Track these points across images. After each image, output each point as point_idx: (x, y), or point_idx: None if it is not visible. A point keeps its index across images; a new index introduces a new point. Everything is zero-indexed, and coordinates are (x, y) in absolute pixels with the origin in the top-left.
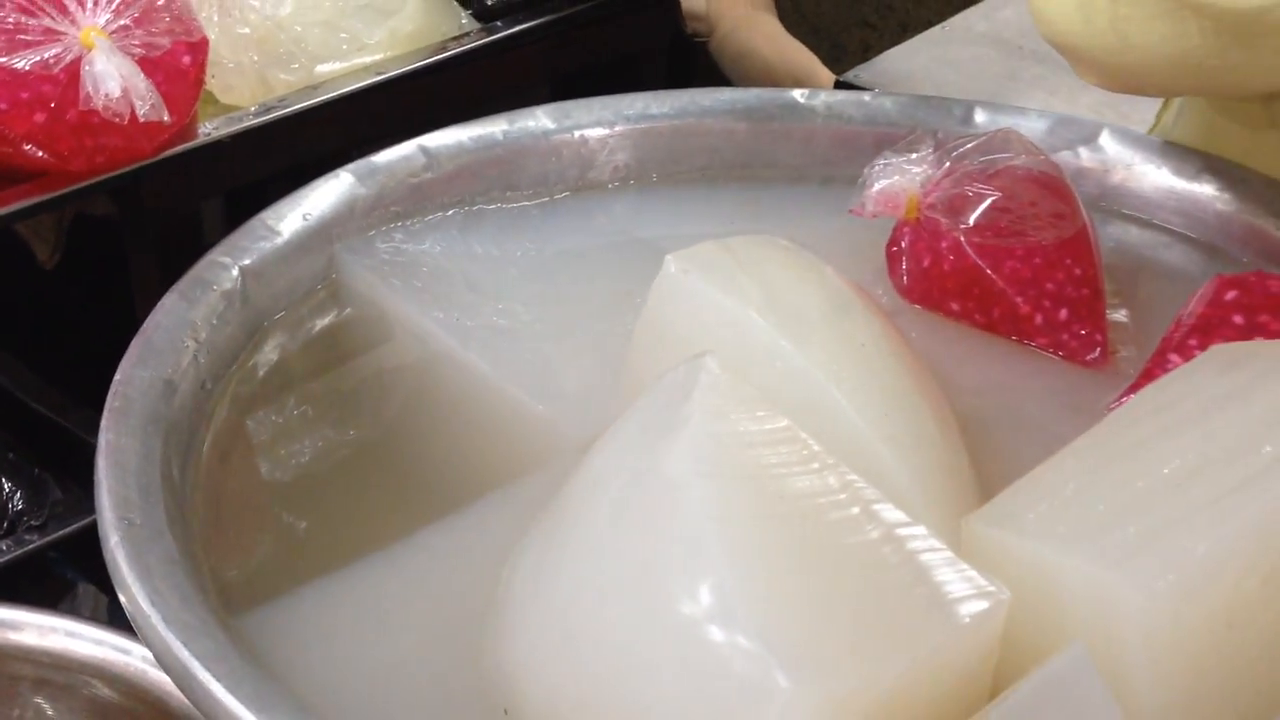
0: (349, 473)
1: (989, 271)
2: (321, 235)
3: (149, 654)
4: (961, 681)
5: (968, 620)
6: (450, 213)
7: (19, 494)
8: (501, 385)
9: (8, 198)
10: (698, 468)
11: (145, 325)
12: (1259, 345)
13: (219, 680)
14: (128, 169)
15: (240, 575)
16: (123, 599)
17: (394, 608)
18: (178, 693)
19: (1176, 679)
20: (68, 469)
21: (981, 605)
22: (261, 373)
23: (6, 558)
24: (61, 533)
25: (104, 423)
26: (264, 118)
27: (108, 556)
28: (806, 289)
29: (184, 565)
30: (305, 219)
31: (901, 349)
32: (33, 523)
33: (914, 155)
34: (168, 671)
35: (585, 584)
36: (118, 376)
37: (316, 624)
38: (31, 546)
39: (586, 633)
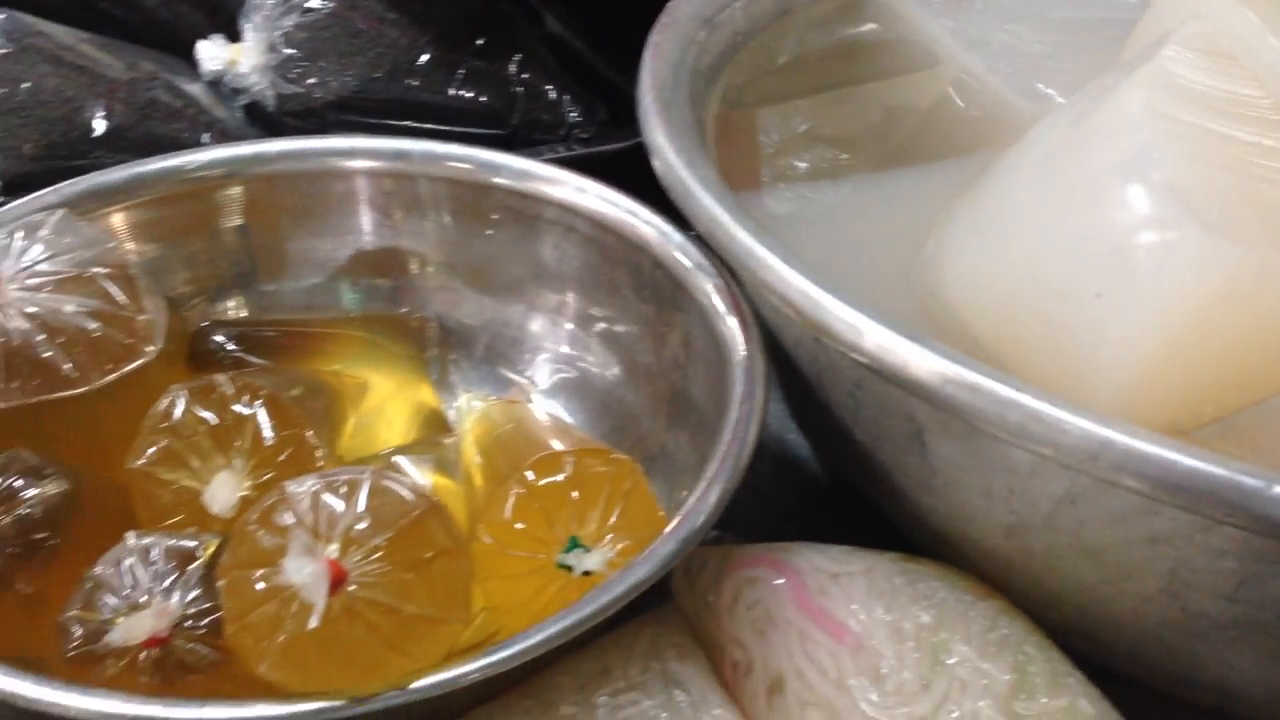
0: (837, 141)
1: None
2: None
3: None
4: None
5: None
6: None
7: (576, 110)
8: (993, 84)
9: None
10: (1153, 87)
11: None
12: None
13: (741, 225)
14: None
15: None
16: (652, 151)
17: (851, 221)
18: (658, 241)
19: None
20: (615, 108)
21: None
22: (779, 49)
23: (560, 155)
24: (606, 147)
25: (654, 29)
26: None
27: (642, 114)
28: None
29: (698, 138)
30: None
31: None
32: (583, 135)
33: None
34: (687, 211)
35: (1015, 185)
36: (668, 5)
37: (792, 223)
38: (580, 152)
39: (1004, 221)
